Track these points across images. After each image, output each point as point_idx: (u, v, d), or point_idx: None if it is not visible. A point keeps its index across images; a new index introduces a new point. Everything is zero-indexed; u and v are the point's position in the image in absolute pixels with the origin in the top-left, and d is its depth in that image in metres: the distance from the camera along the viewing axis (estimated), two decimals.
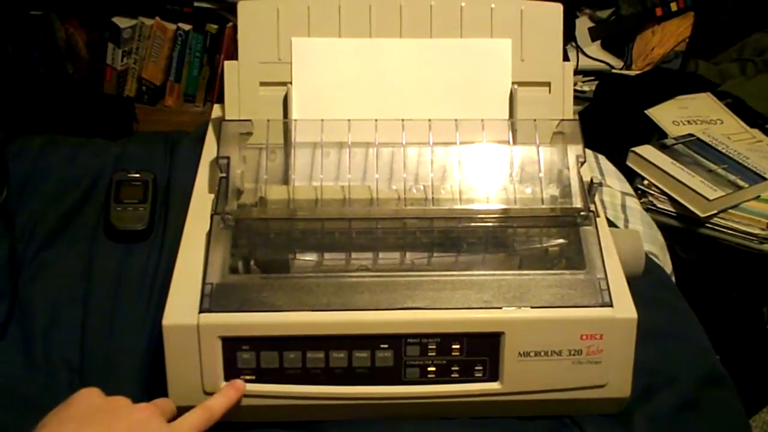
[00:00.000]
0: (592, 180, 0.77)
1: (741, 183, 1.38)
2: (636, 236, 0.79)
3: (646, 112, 1.61)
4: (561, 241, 0.76)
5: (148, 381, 0.74)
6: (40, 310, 0.80)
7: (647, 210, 1.29)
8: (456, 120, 0.79)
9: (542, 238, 0.76)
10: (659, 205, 1.40)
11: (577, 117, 0.82)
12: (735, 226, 1.36)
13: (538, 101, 0.84)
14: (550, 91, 0.84)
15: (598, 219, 0.75)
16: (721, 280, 1.41)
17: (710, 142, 1.48)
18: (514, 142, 0.80)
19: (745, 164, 1.43)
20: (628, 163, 1.44)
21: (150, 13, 1.94)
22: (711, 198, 1.33)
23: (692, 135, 1.50)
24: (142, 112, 1.96)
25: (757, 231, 1.34)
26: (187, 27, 1.94)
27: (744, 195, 1.37)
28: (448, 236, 0.76)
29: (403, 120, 0.79)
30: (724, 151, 1.46)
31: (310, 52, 0.83)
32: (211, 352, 0.67)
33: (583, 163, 0.78)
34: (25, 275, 0.83)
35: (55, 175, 0.95)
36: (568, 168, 0.78)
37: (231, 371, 0.67)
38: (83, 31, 1.96)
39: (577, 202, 0.76)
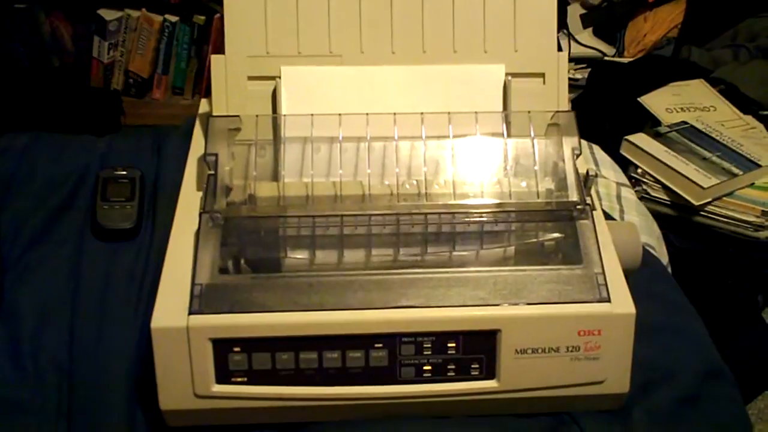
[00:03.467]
0: (587, 172, 0.75)
1: (735, 170, 1.37)
2: (633, 229, 0.78)
3: (639, 99, 1.60)
4: (557, 235, 0.74)
5: (138, 383, 0.72)
6: (27, 312, 0.78)
7: (641, 199, 1.29)
8: (449, 113, 0.78)
9: (538, 232, 0.75)
10: (653, 194, 1.39)
11: (572, 109, 0.80)
12: (729, 213, 1.35)
13: (532, 93, 0.82)
14: (544, 82, 0.83)
15: (594, 212, 0.74)
16: (715, 268, 1.41)
17: (704, 130, 1.47)
18: (509, 135, 0.79)
19: (739, 151, 1.42)
20: (622, 152, 1.43)
21: (136, 5, 1.92)
22: (705, 186, 1.33)
23: (686, 122, 1.49)
24: (130, 105, 1.94)
25: (751, 218, 1.34)
26: (173, 18, 1.92)
27: (738, 182, 1.37)
28: (442, 232, 0.74)
29: (395, 114, 0.77)
30: (717, 138, 1.45)
31: (299, 81, 0.81)
32: (201, 354, 0.65)
33: (578, 156, 0.76)
34: (11, 276, 0.82)
35: (41, 173, 0.93)
36: (563, 160, 0.77)
37: (222, 374, 0.66)
38: (68, 23, 1.93)
39: (573, 195, 0.75)
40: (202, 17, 1.92)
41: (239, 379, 0.66)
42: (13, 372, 0.74)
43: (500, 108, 0.82)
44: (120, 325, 0.77)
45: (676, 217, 1.38)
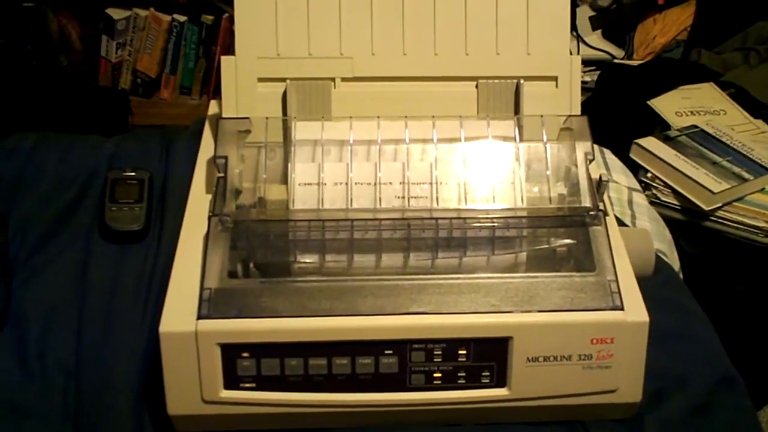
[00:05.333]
0: (600, 177, 0.75)
1: (746, 175, 1.36)
2: (646, 235, 0.77)
3: (648, 102, 1.59)
4: (569, 241, 0.74)
5: (145, 387, 0.72)
6: (34, 314, 0.78)
7: (651, 203, 1.28)
8: (460, 117, 0.77)
9: (550, 238, 0.74)
10: (663, 198, 1.38)
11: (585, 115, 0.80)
12: (740, 219, 1.34)
13: (544, 96, 0.81)
14: (557, 86, 0.82)
15: (607, 218, 0.73)
16: (725, 273, 1.40)
17: (714, 134, 1.46)
18: (521, 139, 0.78)
19: (750, 156, 1.41)
20: (632, 156, 1.42)
21: (144, 4, 1.92)
22: (716, 191, 1.32)
23: (696, 126, 1.48)
24: (138, 105, 1.94)
25: (762, 224, 1.33)
26: (182, 18, 1.92)
27: (749, 187, 1.36)
28: (453, 237, 0.74)
29: (406, 117, 0.77)
30: (728, 142, 1.44)
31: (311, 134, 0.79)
32: (210, 359, 0.65)
33: (591, 161, 0.76)
34: (19, 278, 0.81)
35: (49, 174, 0.92)
36: (576, 165, 0.76)
37: (231, 379, 0.66)
38: (77, 23, 1.93)
39: (586, 201, 0.74)
40: (211, 17, 1.92)
41: (248, 385, 0.66)
42: (20, 375, 0.73)
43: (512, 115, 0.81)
44: (127, 328, 0.76)
45: (686, 222, 1.37)
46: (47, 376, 0.73)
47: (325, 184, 0.76)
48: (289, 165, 0.76)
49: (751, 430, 0.74)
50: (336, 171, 0.76)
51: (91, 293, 0.80)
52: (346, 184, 0.76)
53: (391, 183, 0.76)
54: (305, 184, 0.76)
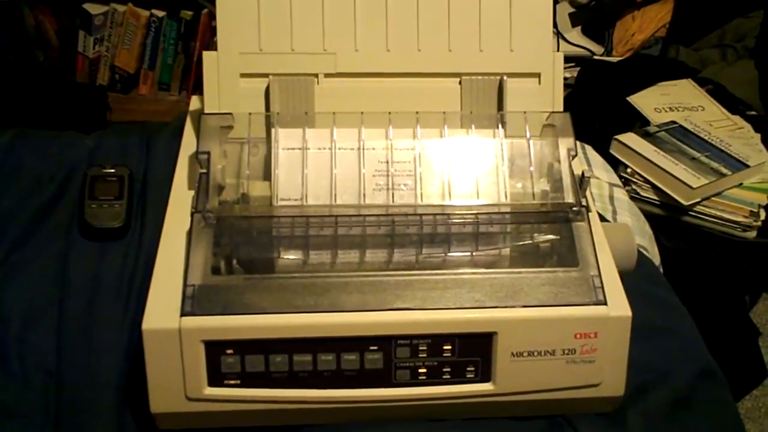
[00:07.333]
0: (583, 173, 0.75)
1: (724, 170, 1.37)
2: (628, 231, 0.78)
3: (628, 99, 1.60)
4: (552, 237, 0.74)
5: (128, 386, 0.71)
6: (13, 313, 0.77)
7: (631, 199, 1.29)
8: (444, 112, 0.77)
9: (533, 234, 0.75)
10: (642, 194, 1.39)
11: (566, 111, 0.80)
12: (718, 213, 1.36)
13: (527, 93, 0.81)
14: (540, 83, 0.82)
15: (590, 214, 0.73)
16: (704, 267, 1.41)
17: (693, 130, 1.48)
18: (504, 136, 0.78)
19: (728, 151, 1.43)
20: (612, 151, 1.43)
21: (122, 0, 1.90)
22: (694, 186, 1.33)
23: (675, 122, 1.50)
24: (116, 101, 1.92)
25: (740, 218, 1.35)
26: (160, 13, 1.90)
27: (727, 182, 1.37)
28: (437, 233, 0.74)
29: (389, 112, 0.76)
30: (706, 138, 1.46)
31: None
32: (193, 356, 0.64)
33: (574, 157, 0.76)
34: None
35: (27, 171, 0.91)
36: (559, 161, 0.76)
37: (215, 376, 0.65)
38: (53, 18, 1.91)
39: (569, 197, 0.74)
40: (190, 12, 1.90)
41: (232, 382, 0.65)
42: (0, 374, 0.72)
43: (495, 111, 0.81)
44: (109, 326, 0.76)
45: (665, 217, 1.38)
46: (28, 376, 0.73)
47: (309, 148, 0.75)
48: (272, 161, 0.76)
49: (731, 421, 0.75)
50: (320, 135, 0.76)
51: (71, 291, 0.79)
52: (330, 149, 0.75)
53: (374, 149, 0.75)
54: (289, 149, 0.75)
